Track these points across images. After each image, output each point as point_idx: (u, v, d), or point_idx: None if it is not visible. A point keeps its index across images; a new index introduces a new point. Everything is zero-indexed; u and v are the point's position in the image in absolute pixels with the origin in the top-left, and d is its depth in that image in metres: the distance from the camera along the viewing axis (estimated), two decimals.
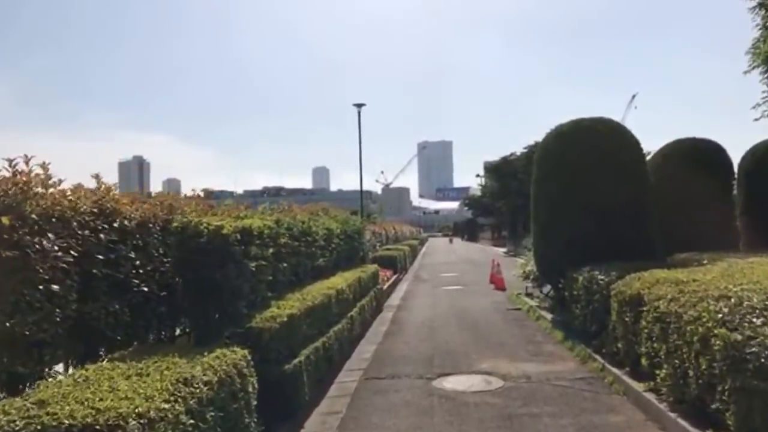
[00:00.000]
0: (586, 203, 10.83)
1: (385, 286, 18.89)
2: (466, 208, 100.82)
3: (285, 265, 8.12)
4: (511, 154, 52.07)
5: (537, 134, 49.79)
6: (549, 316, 12.23)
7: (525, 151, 50.68)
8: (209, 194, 9.21)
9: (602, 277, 8.54)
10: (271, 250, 7.41)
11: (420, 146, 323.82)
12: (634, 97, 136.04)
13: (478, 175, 76.59)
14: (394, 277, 22.74)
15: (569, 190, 11.06)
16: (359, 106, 20.98)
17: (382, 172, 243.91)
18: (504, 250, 51.16)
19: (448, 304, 15.71)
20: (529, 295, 15.89)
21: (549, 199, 11.52)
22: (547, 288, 14.46)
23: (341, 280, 10.53)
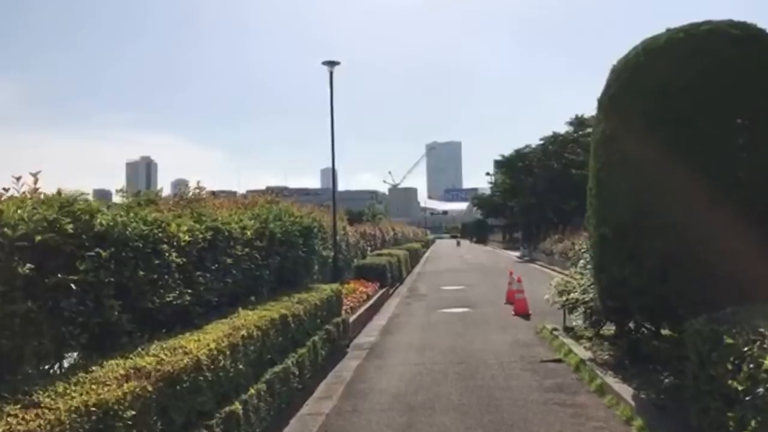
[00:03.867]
0: (715, 180, 5.39)
1: (362, 310, 13.47)
2: (475, 208, 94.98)
3: None
4: (526, 147, 46.40)
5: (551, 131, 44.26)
6: (626, 389, 6.71)
7: (541, 143, 45.18)
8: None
9: None
10: None
11: (429, 147, 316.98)
12: None
13: (488, 173, 70.69)
14: (380, 293, 17.30)
15: (679, 156, 5.59)
16: (331, 64, 15.56)
17: (390, 173, 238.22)
18: (517, 254, 45.53)
19: (446, 347, 10.23)
20: (568, 330, 10.40)
21: (634, 175, 6.03)
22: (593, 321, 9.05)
23: (220, 334, 5.15)
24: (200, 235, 5.94)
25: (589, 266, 8.99)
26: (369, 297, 15.57)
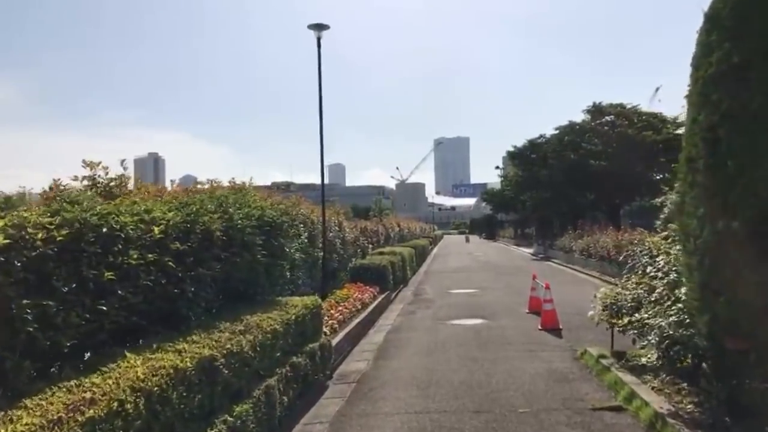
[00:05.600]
0: None
1: (354, 324, 10.95)
2: (484, 203, 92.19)
3: None
4: (540, 137, 43.55)
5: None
6: None
7: (556, 132, 42.33)
8: None
9: None
10: None
11: (436, 142, 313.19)
12: (657, 89, 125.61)
13: (497, 167, 67.80)
14: (379, 299, 14.76)
15: None
16: (318, 28, 13.01)
17: (398, 168, 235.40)
18: (531, 251, 42.88)
19: (459, 383, 7.67)
20: (619, 355, 7.84)
21: None
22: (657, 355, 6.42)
23: (36, 420, 2.62)
24: (39, 235, 3.44)
25: (660, 276, 6.41)
26: (365, 305, 13.05)
